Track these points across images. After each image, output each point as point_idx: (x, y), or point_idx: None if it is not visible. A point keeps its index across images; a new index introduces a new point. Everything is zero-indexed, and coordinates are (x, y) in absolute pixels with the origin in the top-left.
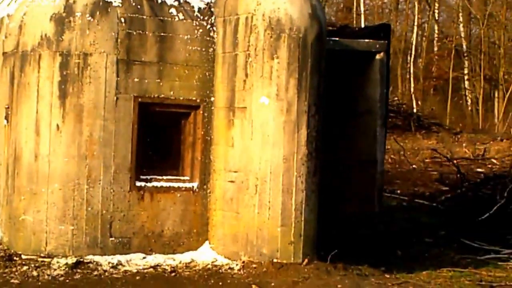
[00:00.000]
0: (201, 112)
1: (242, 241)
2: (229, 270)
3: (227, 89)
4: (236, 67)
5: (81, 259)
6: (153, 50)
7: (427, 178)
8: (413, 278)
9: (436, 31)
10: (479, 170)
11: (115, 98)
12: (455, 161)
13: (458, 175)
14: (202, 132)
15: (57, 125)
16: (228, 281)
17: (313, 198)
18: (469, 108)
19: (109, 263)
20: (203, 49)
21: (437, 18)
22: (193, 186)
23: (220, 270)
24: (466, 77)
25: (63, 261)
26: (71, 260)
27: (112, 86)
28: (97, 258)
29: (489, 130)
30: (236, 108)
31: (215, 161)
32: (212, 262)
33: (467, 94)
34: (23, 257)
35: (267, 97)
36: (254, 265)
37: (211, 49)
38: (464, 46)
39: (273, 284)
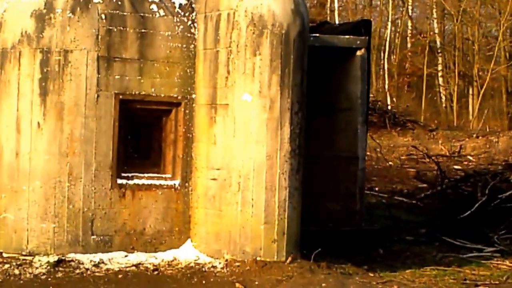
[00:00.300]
0: (183, 109)
1: (225, 239)
2: (212, 269)
3: (208, 86)
4: (217, 63)
5: (63, 257)
6: (134, 47)
7: (404, 175)
8: (397, 277)
9: (410, 28)
10: (456, 167)
11: (96, 95)
12: (434, 158)
13: (438, 172)
14: (184, 130)
15: (38, 123)
16: (211, 279)
17: (296, 195)
18: (443, 105)
19: (91, 261)
20: (184, 46)
21: (410, 14)
22: (174, 184)
23: (203, 269)
24: (440, 74)
25: (44, 259)
26: (53, 258)
27: (93, 83)
28: (79, 256)
29: (464, 127)
30: (218, 105)
31: (197, 159)
32: (195, 260)
33: (441, 90)
34: (4, 255)
35: (250, 94)
36: (237, 264)
37: (192, 45)
38: (438, 42)
39: (256, 282)
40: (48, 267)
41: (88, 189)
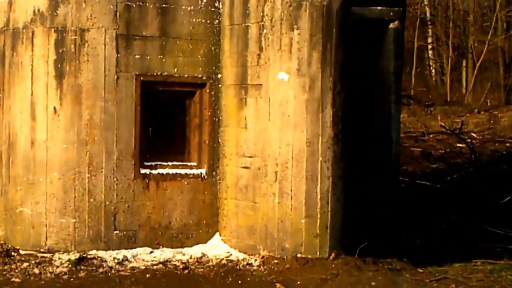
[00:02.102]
0: (208, 90)
1: (260, 233)
2: (247, 267)
3: (236, 65)
4: (247, 40)
5: (84, 255)
6: (154, 24)
7: (409, 154)
8: (448, 272)
9: None
10: (459, 145)
11: (115, 77)
12: (465, 138)
13: (472, 155)
14: (209, 113)
15: (54, 108)
16: (248, 279)
17: (339, 185)
18: (433, 78)
19: (114, 258)
20: (208, 21)
21: None
22: (201, 173)
23: (237, 267)
24: (429, 47)
25: (65, 257)
26: (74, 256)
27: (112, 64)
28: (101, 253)
29: (458, 102)
30: (249, 85)
31: (225, 145)
32: (226, 257)
33: (431, 64)
34: (22, 252)
35: (287, 73)
36: (275, 261)
37: (217, 21)
38: (428, 13)
39: (299, 282)
40: (70, 266)
41: (109, 181)
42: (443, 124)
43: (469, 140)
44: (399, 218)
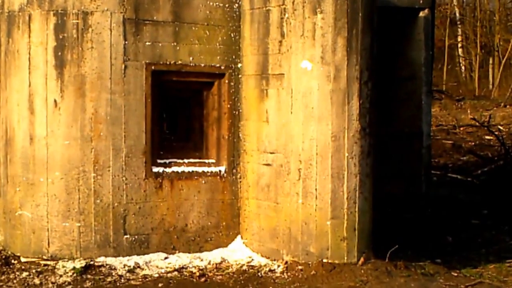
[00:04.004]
0: (227, 81)
1: (283, 237)
2: (269, 273)
3: (257, 53)
4: (268, 25)
5: (91, 262)
6: (167, 7)
7: (441, 147)
8: (483, 275)
9: None
10: (488, 137)
11: (123, 66)
12: (495, 131)
13: (501, 147)
14: (229, 105)
15: (55, 101)
16: (270, 287)
17: (368, 183)
18: (463, 74)
19: (124, 266)
20: (227, 5)
21: None
22: (220, 171)
23: (259, 273)
24: (459, 45)
25: (69, 265)
26: (79, 263)
27: (119, 52)
28: (109, 260)
29: (485, 96)
30: (271, 75)
31: (246, 140)
32: (248, 262)
33: (460, 61)
34: (22, 260)
35: (310, 61)
36: (299, 267)
37: (236, 4)
38: (457, 14)
39: None
40: (74, 275)
41: (118, 180)
42: (473, 117)
43: (497, 133)
44: (431, 214)
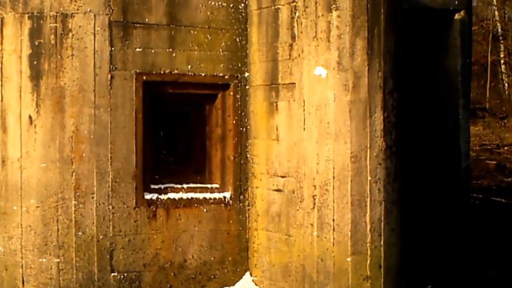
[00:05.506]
0: (232, 93)
1: (296, 275)
2: None
3: (266, 59)
4: (277, 26)
5: None
6: (161, 8)
7: (484, 168)
8: None
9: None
10: None
11: (109, 76)
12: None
13: None
14: (234, 121)
15: (30, 117)
16: None
17: (394, 212)
18: (506, 92)
19: None
20: (231, 5)
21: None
22: (225, 197)
23: None
24: (502, 61)
25: None
26: None
27: (104, 60)
28: None
29: None
30: (281, 85)
31: (255, 162)
32: None
33: (503, 78)
34: None
35: (324, 68)
36: None
37: (242, 4)
38: (499, 29)
39: None
40: None
41: (103, 209)
42: None
43: None
44: (470, 243)
